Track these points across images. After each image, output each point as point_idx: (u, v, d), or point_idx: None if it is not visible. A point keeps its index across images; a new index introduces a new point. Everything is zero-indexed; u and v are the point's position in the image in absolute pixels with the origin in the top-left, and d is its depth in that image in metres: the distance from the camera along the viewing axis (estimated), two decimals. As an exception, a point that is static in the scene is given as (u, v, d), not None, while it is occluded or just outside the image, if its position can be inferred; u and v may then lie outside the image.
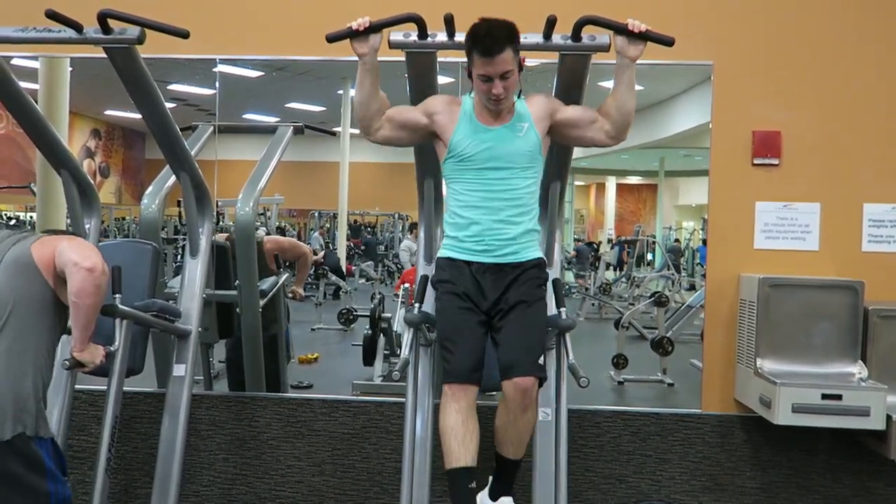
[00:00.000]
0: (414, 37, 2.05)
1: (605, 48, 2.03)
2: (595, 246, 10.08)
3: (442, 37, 2.05)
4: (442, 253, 2.22)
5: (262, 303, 3.48)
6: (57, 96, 3.71)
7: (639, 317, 6.20)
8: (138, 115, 3.46)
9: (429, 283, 2.32)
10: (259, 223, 6.48)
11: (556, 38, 2.04)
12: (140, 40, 2.08)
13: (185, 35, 2.04)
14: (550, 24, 2.01)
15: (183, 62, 3.34)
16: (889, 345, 2.65)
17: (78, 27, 2.07)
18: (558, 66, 2.15)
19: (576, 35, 2.02)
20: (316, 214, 8.94)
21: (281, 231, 7.32)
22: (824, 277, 2.76)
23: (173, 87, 4.43)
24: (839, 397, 2.49)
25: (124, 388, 2.98)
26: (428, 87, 2.19)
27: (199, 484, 3.04)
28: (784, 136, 2.86)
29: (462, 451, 2.03)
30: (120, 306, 2.16)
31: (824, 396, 2.49)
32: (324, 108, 6.86)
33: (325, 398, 3.03)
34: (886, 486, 2.83)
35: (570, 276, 8.54)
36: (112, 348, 2.14)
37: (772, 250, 2.88)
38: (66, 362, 1.94)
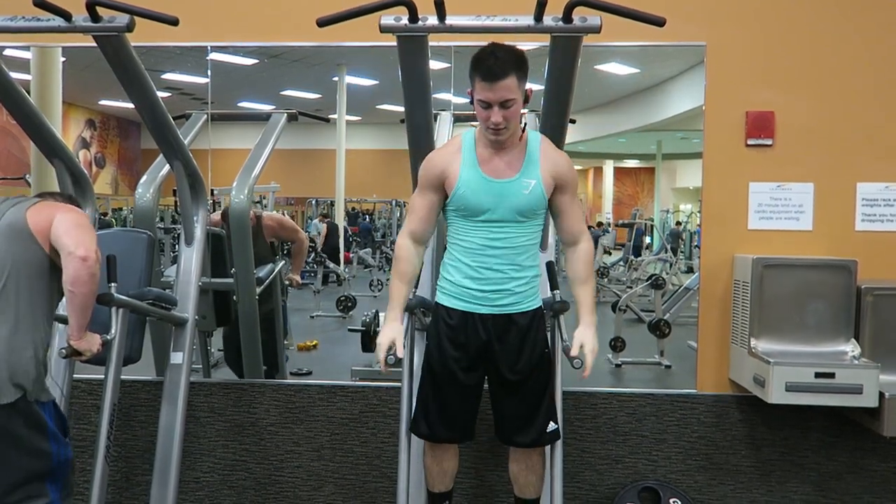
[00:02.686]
0: (405, 20, 2.04)
1: (596, 29, 2.01)
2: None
3: (433, 20, 2.04)
4: (440, 299, 2.16)
5: (259, 290, 3.49)
6: (50, 86, 3.71)
7: (637, 300, 6.24)
8: (132, 105, 3.47)
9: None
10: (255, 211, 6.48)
11: (547, 20, 2.02)
12: (129, 28, 2.07)
13: (174, 22, 2.03)
14: (541, 5, 1.99)
15: (176, 50, 3.33)
16: (882, 323, 2.66)
17: (67, 15, 2.05)
18: (550, 50, 2.14)
19: (567, 16, 2.01)
20: (314, 202, 8.94)
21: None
22: (818, 257, 2.78)
23: (167, 76, 4.41)
24: (832, 375, 2.50)
25: (123, 377, 3.01)
26: (419, 72, 2.18)
27: (200, 471, 3.06)
28: (777, 116, 2.85)
29: (439, 482, 2.26)
30: (116, 295, 2.17)
31: (817, 375, 2.51)
32: (319, 95, 6.83)
33: (323, 384, 3.05)
34: (880, 461, 2.85)
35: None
36: (108, 337, 2.15)
37: (766, 231, 2.88)
38: (63, 351, 1.95)
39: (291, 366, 4.34)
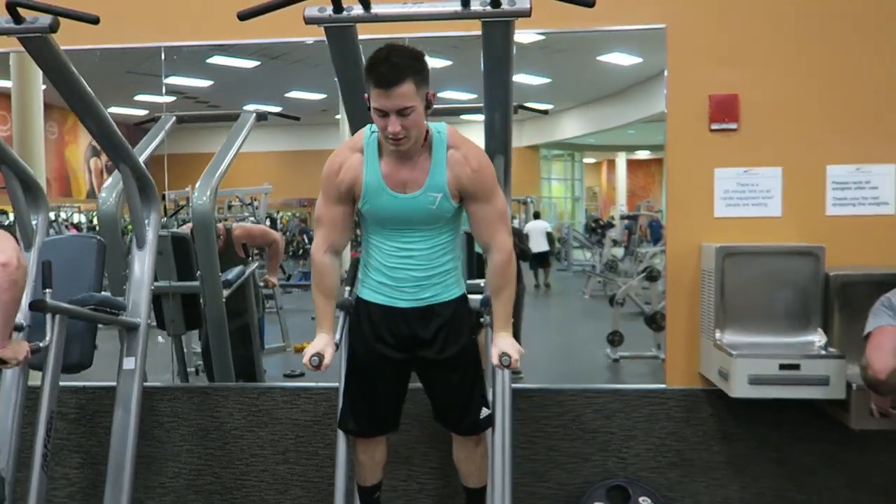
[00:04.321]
0: (329, 11, 1.99)
1: (526, 13, 1.94)
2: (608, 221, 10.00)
3: (358, 9, 1.98)
4: (361, 293, 2.10)
5: (228, 292, 3.47)
6: (29, 91, 3.72)
7: (642, 292, 6.12)
8: (143, 111, 3.48)
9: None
10: (247, 213, 6.47)
11: (475, 5, 1.95)
12: (53, 28, 2.03)
13: (94, 21, 1.99)
14: (469, -11, 1.93)
15: (179, 54, 3.30)
16: (851, 312, 2.54)
17: (-12, 18, 2.03)
18: (482, 37, 2.07)
19: (495, 0, 1.94)
20: (320, 203, 8.91)
21: (272, 221, 7.30)
22: (782, 244, 2.68)
23: (171, 79, 4.41)
24: (797, 367, 2.41)
25: (87, 383, 3.02)
26: (351, 64, 2.12)
27: (165, 476, 3.03)
28: (742, 99, 2.76)
29: (371, 475, 2.24)
30: (49, 301, 2.14)
31: (782, 367, 2.42)
32: (325, 96, 6.78)
33: (286, 386, 3.01)
34: (857, 455, 2.75)
35: (579, 255, 8.48)
36: (42, 344, 2.12)
37: (733, 218, 2.79)
38: None
39: (286, 367, 4.30)
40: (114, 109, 6.99)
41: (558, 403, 2.88)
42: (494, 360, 1.98)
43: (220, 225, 3.89)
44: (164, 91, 3.44)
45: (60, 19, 2.00)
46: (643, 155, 12.51)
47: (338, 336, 2.11)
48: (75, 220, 7.68)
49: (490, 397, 2.22)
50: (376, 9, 1.97)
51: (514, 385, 2.82)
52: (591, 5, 1.91)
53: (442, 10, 1.95)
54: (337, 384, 2.53)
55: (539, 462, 2.88)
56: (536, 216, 7.98)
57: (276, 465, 2.99)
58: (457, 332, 2.06)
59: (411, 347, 2.06)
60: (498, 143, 2.45)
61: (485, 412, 2.13)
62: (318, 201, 2.05)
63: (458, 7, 1.95)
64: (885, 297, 2.17)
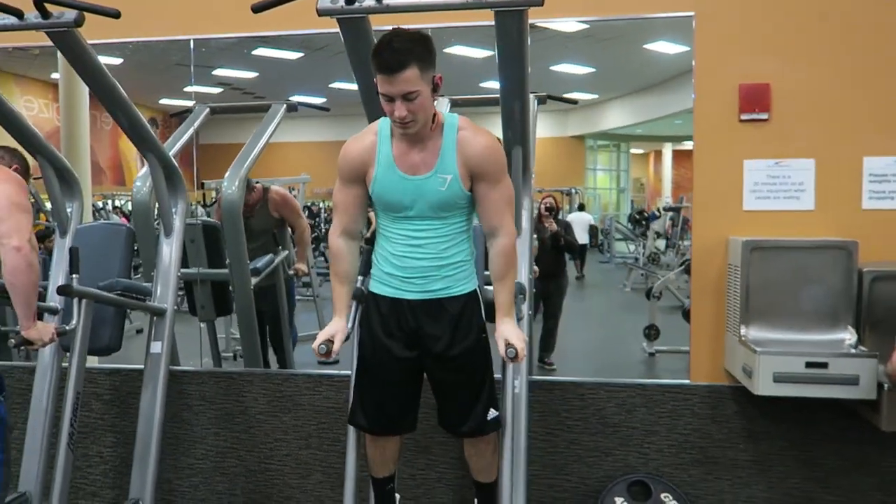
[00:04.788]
0: (342, 2, 2.00)
1: (538, 2, 1.91)
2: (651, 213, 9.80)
3: (370, 1, 1.99)
4: (372, 286, 2.10)
5: (256, 281, 3.53)
6: (75, 83, 3.83)
7: (684, 285, 5.98)
8: (190, 102, 3.58)
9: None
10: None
11: (486, -6, 1.93)
12: (78, 23, 2.10)
13: (115, 15, 2.05)
14: (480, -21, 1.91)
15: (223, 46, 3.37)
16: (885, 309, 2.44)
17: (19, 14, 2.11)
18: (496, 27, 2.04)
19: (506, -11, 1.91)
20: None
21: (309, 210, 7.39)
22: (814, 238, 2.58)
23: (218, 71, 4.51)
24: (825, 365, 2.33)
25: (120, 365, 3.13)
26: (364, 55, 2.12)
27: (194, 457, 3.12)
28: (774, 88, 2.66)
29: (382, 468, 2.23)
30: (76, 286, 2.22)
31: (808, 365, 2.34)
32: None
33: (310, 373, 3.06)
34: (892, 457, 2.64)
35: (621, 247, 8.36)
36: (68, 327, 2.20)
37: (763, 211, 2.70)
38: (13, 340, 2.00)
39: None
40: (166, 101, 7.24)
41: (579, 397, 2.85)
42: (501, 350, 1.96)
43: (257, 185, 3.85)
44: (213, 82, 3.49)
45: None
46: (690, 145, 12.24)
47: (350, 324, 2.12)
48: (128, 209, 7.95)
49: (508, 390, 2.19)
50: (388, 0, 1.97)
51: (532, 377, 2.83)
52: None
53: (453, 0, 1.94)
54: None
55: (559, 455, 2.86)
56: (581, 208, 7.89)
57: (299, 451, 3.04)
58: (465, 329, 2.03)
59: (419, 343, 2.04)
60: (516, 133, 2.42)
61: (492, 414, 2.08)
62: (336, 185, 2.07)
63: (468, -4, 1.94)
64: None
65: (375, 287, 2.09)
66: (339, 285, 2.09)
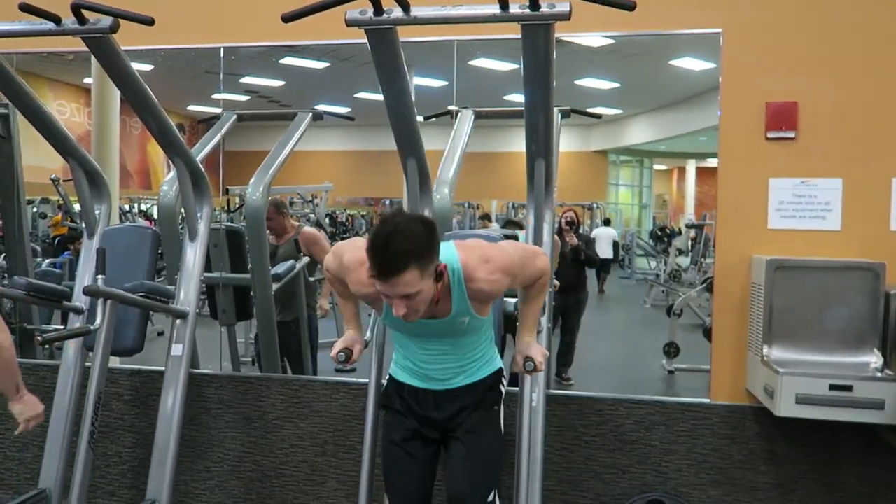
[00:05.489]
0: (370, 14, 2.02)
1: (565, 16, 1.91)
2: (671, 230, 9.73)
3: (398, 13, 2.01)
4: (392, 370, 2.11)
5: (276, 286, 3.56)
6: (106, 88, 3.91)
7: (705, 303, 5.93)
8: (218, 109, 3.65)
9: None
10: (308, 210, 6.62)
11: (514, 8, 1.94)
12: (113, 29, 2.15)
13: (149, 22, 2.09)
14: (508, -8, 1.92)
15: (252, 54, 3.44)
16: (913, 332, 2.41)
17: (56, 19, 2.16)
18: (522, 41, 2.05)
19: (534, 3, 1.92)
20: (388, 202, 9.07)
21: (331, 218, 7.44)
22: (840, 259, 2.55)
23: (245, 79, 4.58)
24: (849, 388, 2.29)
25: (141, 367, 3.17)
26: (392, 66, 2.15)
27: (210, 460, 3.14)
28: (801, 107, 2.64)
29: None
30: (101, 287, 2.25)
31: (832, 387, 2.30)
32: None
33: (327, 380, 3.07)
34: (917, 486, 2.59)
35: (642, 263, 8.30)
36: (93, 327, 2.23)
37: (788, 230, 2.67)
38: (38, 338, 2.04)
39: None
40: (194, 107, 7.35)
41: (597, 412, 2.83)
42: (519, 364, 1.96)
43: (303, 227, 3.98)
44: (240, 90, 3.57)
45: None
46: (713, 162, 12.15)
47: (367, 334, 2.14)
48: (153, 213, 8.07)
49: (526, 403, 2.17)
50: (416, 11, 1.99)
51: (550, 391, 2.81)
52: (632, 8, 1.87)
53: (480, 13, 1.95)
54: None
55: (575, 471, 2.84)
56: (607, 223, 7.87)
57: (315, 457, 3.05)
58: (482, 401, 2.03)
59: (437, 424, 2.03)
60: (540, 147, 2.42)
61: (491, 497, 1.98)
62: (328, 274, 2.06)
63: (496, 10, 1.95)
64: None
65: (396, 372, 2.10)
66: (344, 302, 2.12)
